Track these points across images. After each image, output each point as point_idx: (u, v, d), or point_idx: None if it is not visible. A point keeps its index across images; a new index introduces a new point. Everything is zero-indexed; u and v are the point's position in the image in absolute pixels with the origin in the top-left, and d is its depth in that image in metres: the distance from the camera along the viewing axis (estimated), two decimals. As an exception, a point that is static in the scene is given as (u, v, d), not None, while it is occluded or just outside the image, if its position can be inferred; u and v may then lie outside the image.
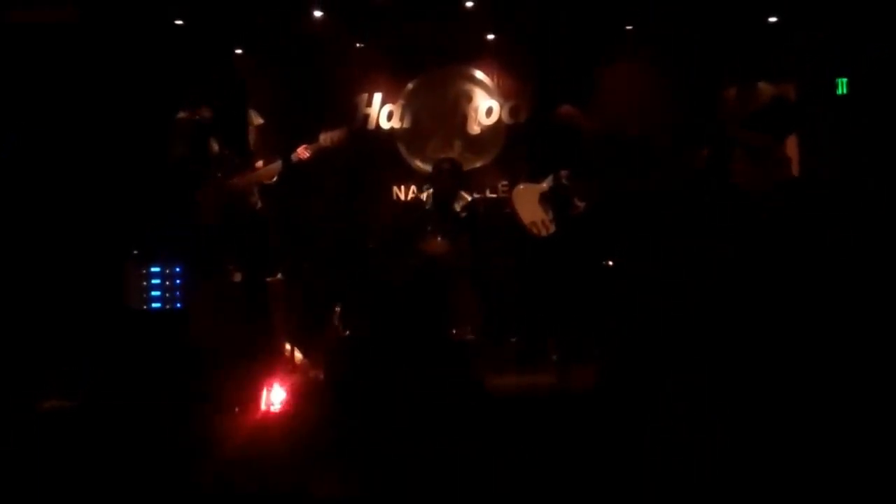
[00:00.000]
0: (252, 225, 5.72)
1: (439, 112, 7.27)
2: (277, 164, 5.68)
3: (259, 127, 5.90)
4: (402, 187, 7.24)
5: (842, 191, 6.00)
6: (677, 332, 4.95)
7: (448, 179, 6.29)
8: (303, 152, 5.65)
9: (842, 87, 6.20)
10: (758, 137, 5.32)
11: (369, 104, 7.27)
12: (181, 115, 5.68)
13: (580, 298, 5.60)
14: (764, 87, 5.45)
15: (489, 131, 7.21)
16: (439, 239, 6.15)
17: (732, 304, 4.96)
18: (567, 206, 5.68)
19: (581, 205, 5.70)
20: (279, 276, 5.77)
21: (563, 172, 5.72)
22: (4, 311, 5.79)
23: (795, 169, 6.09)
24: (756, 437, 3.78)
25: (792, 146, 6.12)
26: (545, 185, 5.88)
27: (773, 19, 6.47)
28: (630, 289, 5.42)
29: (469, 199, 6.40)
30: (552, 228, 5.77)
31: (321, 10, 6.50)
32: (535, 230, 5.86)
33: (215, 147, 5.71)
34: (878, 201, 5.81)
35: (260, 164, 5.85)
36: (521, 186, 6.06)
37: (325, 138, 5.70)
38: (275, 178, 5.79)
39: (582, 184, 5.73)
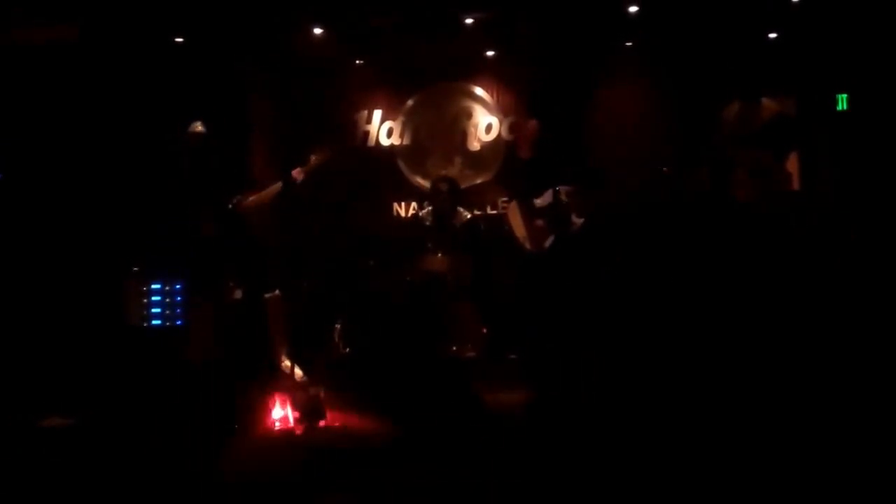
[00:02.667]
0: (252, 243, 5.73)
1: (439, 129, 7.28)
2: (278, 185, 5.69)
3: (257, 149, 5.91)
4: (403, 204, 7.25)
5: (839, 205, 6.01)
6: (676, 342, 4.96)
7: (446, 199, 6.30)
8: (297, 174, 5.66)
9: (842, 103, 6.22)
10: (758, 155, 5.33)
11: (369, 121, 7.28)
12: (183, 133, 5.70)
13: (579, 313, 5.58)
14: (766, 104, 5.45)
15: (489, 148, 7.21)
16: (440, 256, 6.15)
17: (730, 316, 4.97)
18: (565, 222, 5.67)
19: (579, 221, 5.70)
20: (277, 292, 5.77)
21: (562, 189, 5.71)
22: (5, 327, 5.80)
23: (796, 184, 6.09)
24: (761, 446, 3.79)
25: (792, 161, 6.13)
26: (539, 200, 5.86)
27: (772, 36, 6.48)
28: (627, 302, 5.42)
29: (468, 216, 6.40)
30: (547, 241, 5.75)
31: (321, 28, 6.53)
32: (526, 244, 5.84)
33: (216, 165, 5.72)
34: (876, 215, 5.82)
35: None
36: (516, 202, 6.05)
37: (315, 158, 5.72)
38: (275, 198, 5.80)
39: (580, 200, 5.72)
